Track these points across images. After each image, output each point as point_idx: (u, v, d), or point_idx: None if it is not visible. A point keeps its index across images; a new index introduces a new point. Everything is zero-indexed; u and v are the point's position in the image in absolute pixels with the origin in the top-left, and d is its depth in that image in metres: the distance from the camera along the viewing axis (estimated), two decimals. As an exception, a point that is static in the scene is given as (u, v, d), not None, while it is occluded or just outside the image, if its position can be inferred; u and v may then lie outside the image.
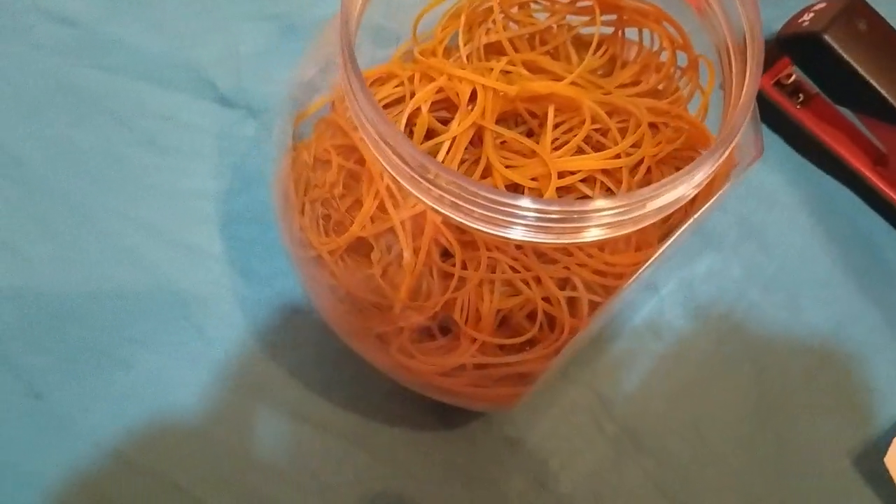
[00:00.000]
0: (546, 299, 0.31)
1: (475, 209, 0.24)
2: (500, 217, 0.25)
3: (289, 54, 0.36)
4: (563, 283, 0.32)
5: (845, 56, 0.41)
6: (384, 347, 0.32)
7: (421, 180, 0.25)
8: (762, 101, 0.48)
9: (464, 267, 0.31)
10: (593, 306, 0.31)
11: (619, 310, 0.42)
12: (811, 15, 0.43)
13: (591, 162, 0.31)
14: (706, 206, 0.30)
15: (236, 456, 0.39)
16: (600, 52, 0.38)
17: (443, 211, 0.25)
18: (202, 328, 0.41)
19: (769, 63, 0.48)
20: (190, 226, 0.43)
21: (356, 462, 0.39)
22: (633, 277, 0.29)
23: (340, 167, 0.34)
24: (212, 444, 0.39)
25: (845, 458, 0.41)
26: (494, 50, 0.38)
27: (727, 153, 0.26)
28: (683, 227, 0.29)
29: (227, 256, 0.42)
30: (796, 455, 0.41)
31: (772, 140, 0.48)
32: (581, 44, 0.40)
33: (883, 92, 0.41)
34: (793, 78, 0.47)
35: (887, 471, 0.39)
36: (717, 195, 0.30)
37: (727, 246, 0.45)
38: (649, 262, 0.29)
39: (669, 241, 0.29)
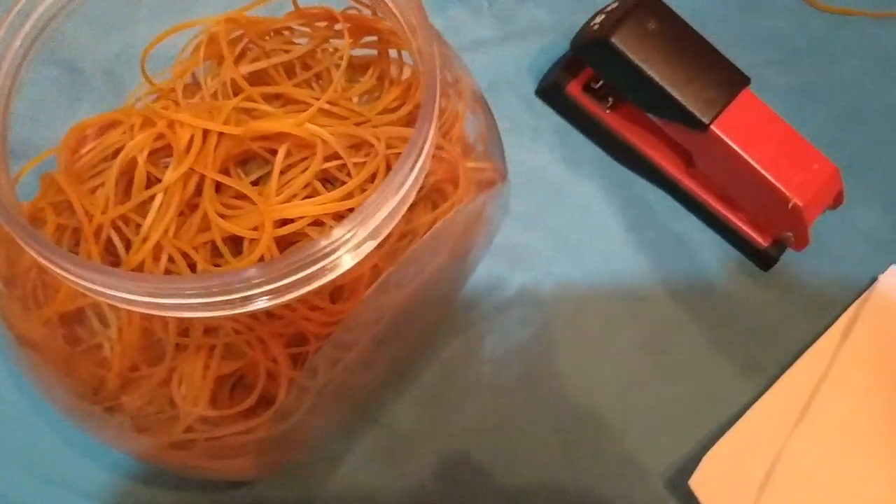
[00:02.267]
0: (275, 360, 0.29)
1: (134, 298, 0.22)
2: (160, 300, 0.22)
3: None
4: (298, 338, 0.29)
5: (634, 60, 0.39)
6: (108, 424, 0.29)
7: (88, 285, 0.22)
8: (573, 106, 0.46)
9: (184, 334, 0.28)
10: (329, 359, 0.29)
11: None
12: (602, 17, 0.41)
13: (311, 208, 0.29)
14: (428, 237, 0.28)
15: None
16: (368, 76, 0.36)
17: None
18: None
19: (578, 68, 0.46)
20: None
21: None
22: (351, 321, 0.27)
23: (59, 227, 0.31)
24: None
25: (659, 482, 0.39)
26: (258, 80, 0.35)
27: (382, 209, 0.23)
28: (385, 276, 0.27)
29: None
30: (609, 481, 0.39)
31: (585, 146, 0.46)
32: (353, 68, 0.37)
33: (675, 95, 0.39)
34: (601, 82, 0.45)
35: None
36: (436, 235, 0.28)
37: (541, 264, 0.43)
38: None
39: (374, 287, 0.27)
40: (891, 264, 0.44)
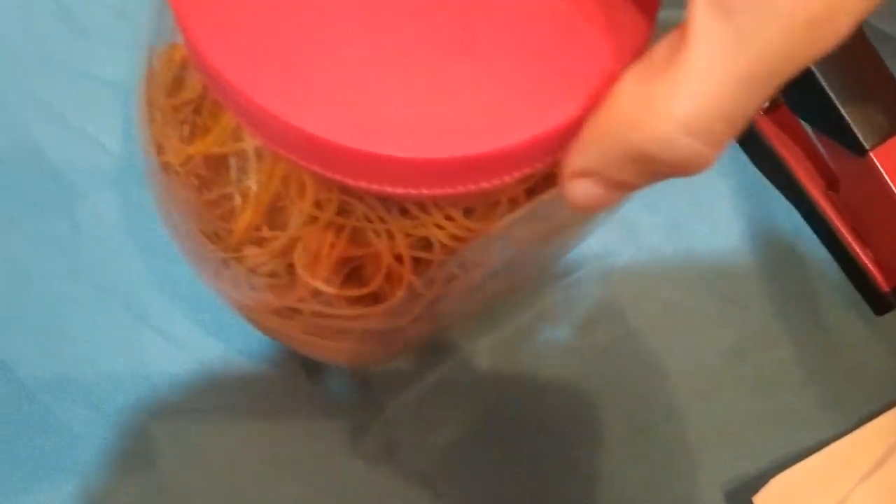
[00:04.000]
0: (399, 257, 0.29)
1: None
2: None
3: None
4: (423, 243, 0.29)
5: (812, 65, 0.38)
6: (222, 274, 0.30)
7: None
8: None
9: (318, 206, 0.28)
10: (447, 272, 0.29)
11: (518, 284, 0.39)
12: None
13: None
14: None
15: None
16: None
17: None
18: (78, 222, 0.39)
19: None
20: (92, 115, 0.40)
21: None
22: (481, 243, 0.27)
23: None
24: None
25: (719, 490, 0.39)
26: None
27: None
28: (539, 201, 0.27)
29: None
30: (670, 478, 0.39)
31: (729, 146, 0.45)
32: None
33: (842, 109, 0.38)
34: (763, 81, 0.44)
35: (754, 509, 0.37)
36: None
37: (650, 247, 0.42)
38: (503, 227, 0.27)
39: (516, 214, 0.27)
40: None
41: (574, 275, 0.41)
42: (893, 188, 0.38)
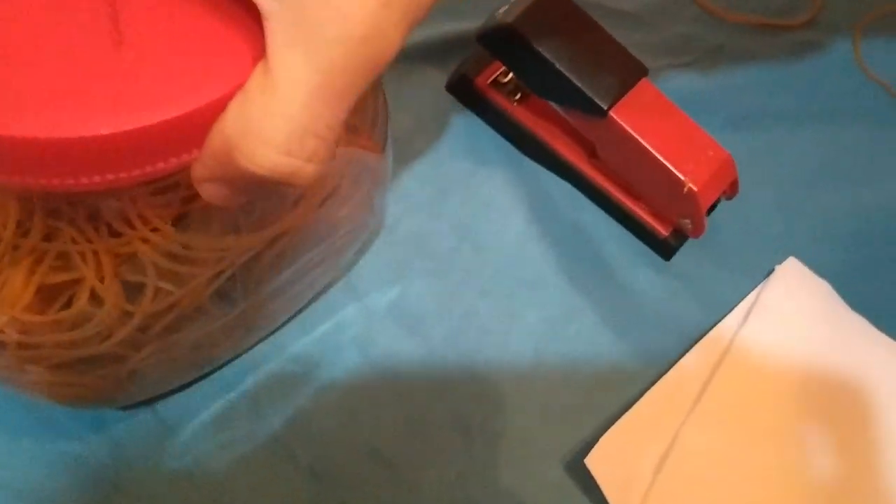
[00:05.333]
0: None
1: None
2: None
3: None
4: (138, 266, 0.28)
5: (536, 46, 0.40)
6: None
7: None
8: (482, 99, 0.46)
9: (24, 235, 0.27)
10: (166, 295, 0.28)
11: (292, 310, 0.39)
12: (506, 7, 0.42)
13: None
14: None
15: None
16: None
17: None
18: None
19: (487, 62, 0.46)
20: None
21: None
22: (215, 270, 0.26)
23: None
24: None
25: (558, 465, 0.39)
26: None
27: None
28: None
29: None
30: (510, 464, 0.39)
31: (493, 140, 0.46)
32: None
33: (575, 81, 0.40)
34: (510, 76, 0.46)
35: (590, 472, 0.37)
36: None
37: (442, 254, 0.43)
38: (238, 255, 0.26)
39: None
40: (788, 257, 0.44)
41: (371, 293, 0.41)
42: (638, 138, 0.40)
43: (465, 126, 0.47)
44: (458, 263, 0.43)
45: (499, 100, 0.46)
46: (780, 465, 0.39)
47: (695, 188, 0.39)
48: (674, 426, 0.39)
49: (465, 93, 0.47)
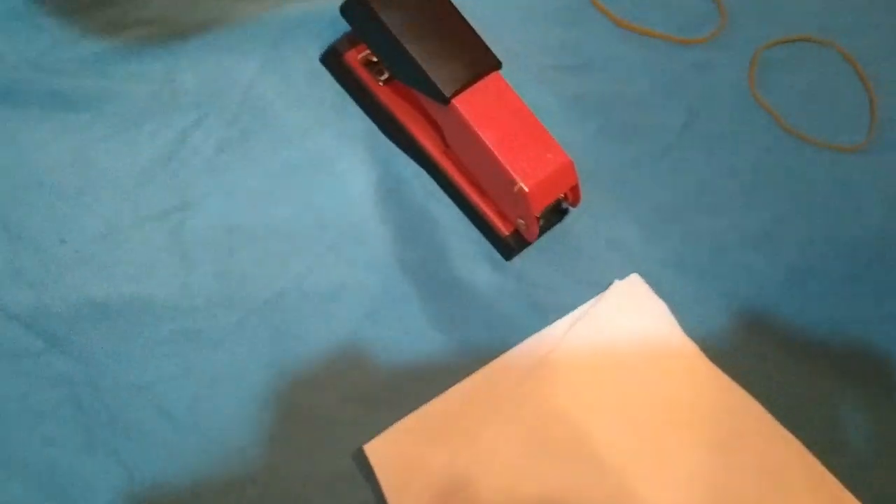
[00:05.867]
0: None
1: None
2: None
3: None
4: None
5: (387, 23, 0.40)
6: None
7: None
8: (350, 76, 0.46)
9: None
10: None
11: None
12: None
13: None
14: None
15: None
16: None
17: None
18: None
19: (359, 39, 0.46)
20: None
21: None
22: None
23: None
24: None
25: (350, 450, 0.38)
26: None
27: None
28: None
29: None
30: (303, 443, 0.38)
31: (358, 117, 0.46)
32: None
33: (422, 63, 0.39)
34: (381, 54, 0.45)
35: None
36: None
37: (278, 222, 0.43)
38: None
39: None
40: (632, 274, 0.44)
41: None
42: (476, 130, 0.39)
43: (333, 100, 0.46)
44: (297, 231, 0.42)
45: (365, 78, 0.45)
46: (572, 483, 0.38)
47: (525, 188, 0.39)
48: (474, 424, 0.39)
49: (335, 67, 0.46)
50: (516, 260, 0.44)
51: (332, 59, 0.46)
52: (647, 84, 0.50)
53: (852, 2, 0.55)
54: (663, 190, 0.47)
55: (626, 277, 0.44)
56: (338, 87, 0.47)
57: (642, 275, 0.44)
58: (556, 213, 0.43)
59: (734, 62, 0.52)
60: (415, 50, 0.40)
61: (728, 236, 0.47)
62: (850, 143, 0.50)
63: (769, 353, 0.43)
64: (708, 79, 0.51)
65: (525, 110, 0.40)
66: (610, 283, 0.44)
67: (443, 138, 0.44)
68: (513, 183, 0.39)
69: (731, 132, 0.50)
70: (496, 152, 0.39)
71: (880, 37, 0.54)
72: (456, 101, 0.39)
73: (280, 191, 0.43)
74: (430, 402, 0.39)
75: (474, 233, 0.45)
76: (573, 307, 0.43)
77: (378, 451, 0.37)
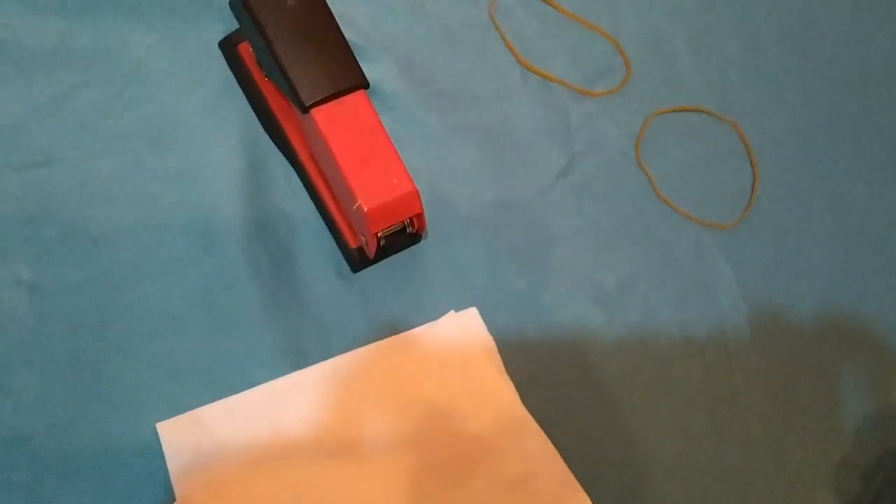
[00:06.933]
0: None
1: None
2: None
3: None
4: None
5: (262, 22, 0.41)
6: None
7: None
8: (240, 65, 0.47)
9: None
10: None
11: None
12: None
13: None
14: None
15: None
16: None
17: None
18: None
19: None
20: None
21: None
22: None
23: None
24: None
25: (154, 421, 0.40)
26: None
27: None
28: None
29: None
30: (112, 409, 0.40)
31: (241, 107, 0.47)
32: None
33: (287, 68, 0.40)
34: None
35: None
36: None
37: (144, 195, 0.44)
38: None
39: None
40: (473, 307, 0.45)
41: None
42: (329, 143, 0.40)
43: (221, 87, 0.47)
44: (157, 206, 0.44)
45: (253, 70, 0.46)
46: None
47: (364, 207, 0.40)
48: (274, 425, 0.40)
49: (229, 54, 0.47)
50: (363, 274, 0.45)
51: (228, 47, 0.48)
52: (535, 124, 0.52)
53: (762, 85, 0.56)
54: (524, 234, 0.49)
55: (465, 310, 0.45)
56: (229, 74, 0.48)
57: (482, 311, 0.45)
58: (406, 237, 0.45)
59: (627, 120, 0.53)
60: (284, 55, 0.41)
61: (575, 288, 0.48)
62: (721, 220, 0.51)
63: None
64: (597, 131, 0.52)
65: (382, 134, 0.42)
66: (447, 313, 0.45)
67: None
68: (354, 201, 0.40)
69: (606, 187, 0.51)
70: (343, 168, 0.40)
71: (780, 124, 0.55)
72: (314, 112, 0.41)
73: (148, 164, 0.45)
74: (240, 394, 0.40)
75: (329, 241, 0.46)
76: (408, 328, 0.45)
77: (169, 430, 0.38)
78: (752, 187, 0.53)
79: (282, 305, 0.44)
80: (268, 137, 0.47)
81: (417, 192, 0.41)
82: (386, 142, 0.42)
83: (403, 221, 0.42)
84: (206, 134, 0.46)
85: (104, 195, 0.44)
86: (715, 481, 0.44)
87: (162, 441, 0.38)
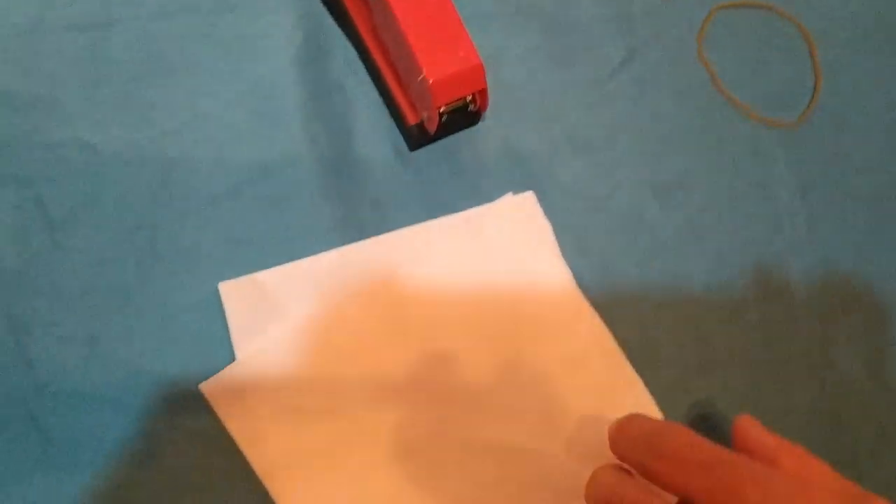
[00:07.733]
0: None
1: None
2: None
3: None
4: None
5: None
6: None
7: None
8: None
9: None
10: None
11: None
12: None
13: None
14: None
15: None
16: None
17: None
18: None
19: None
20: None
21: None
22: None
23: None
24: None
25: (214, 288, 0.40)
26: None
27: None
28: None
29: None
30: (168, 284, 0.40)
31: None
32: None
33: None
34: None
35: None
36: None
37: (183, 66, 0.44)
38: None
39: None
40: (530, 190, 0.45)
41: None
42: (395, 12, 0.39)
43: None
44: (212, 73, 0.44)
45: (315, -61, 0.45)
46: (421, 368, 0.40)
47: (429, 79, 0.39)
48: (337, 291, 0.40)
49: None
50: (420, 153, 0.45)
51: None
52: (596, 13, 0.50)
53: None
54: (583, 120, 0.48)
55: (522, 193, 0.45)
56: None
57: (538, 195, 0.45)
58: (465, 116, 0.44)
59: (690, 13, 0.52)
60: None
61: (631, 178, 0.47)
62: (781, 119, 0.50)
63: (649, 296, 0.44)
64: (660, 23, 0.51)
65: (450, 6, 0.41)
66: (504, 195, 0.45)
67: (372, 17, 0.44)
68: (419, 72, 0.40)
69: (666, 81, 0.50)
70: (409, 39, 0.40)
71: (846, 26, 0.53)
72: (385, -19, 0.40)
73: (203, 30, 0.44)
74: (298, 261, 0.41)
75: (386, 118, 0.45)
76: (462, 209, 0.44)
77: (230, 290, 0.39)
78: (815, 89, 0.52)
79: (338, 180, 0.44)
80: (325, 9, 0.46)
81: (482, 65, 0.41)
82: (453, 14, 0.41)
83: (466, 97, 0.42)
84: (263, 3, 0.45)
85: (162, 59, 0.43)
86: (766, 372, 0.44)
87: (223, 301, 0.39)
